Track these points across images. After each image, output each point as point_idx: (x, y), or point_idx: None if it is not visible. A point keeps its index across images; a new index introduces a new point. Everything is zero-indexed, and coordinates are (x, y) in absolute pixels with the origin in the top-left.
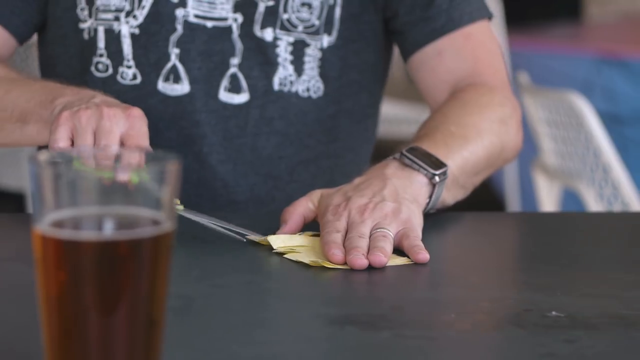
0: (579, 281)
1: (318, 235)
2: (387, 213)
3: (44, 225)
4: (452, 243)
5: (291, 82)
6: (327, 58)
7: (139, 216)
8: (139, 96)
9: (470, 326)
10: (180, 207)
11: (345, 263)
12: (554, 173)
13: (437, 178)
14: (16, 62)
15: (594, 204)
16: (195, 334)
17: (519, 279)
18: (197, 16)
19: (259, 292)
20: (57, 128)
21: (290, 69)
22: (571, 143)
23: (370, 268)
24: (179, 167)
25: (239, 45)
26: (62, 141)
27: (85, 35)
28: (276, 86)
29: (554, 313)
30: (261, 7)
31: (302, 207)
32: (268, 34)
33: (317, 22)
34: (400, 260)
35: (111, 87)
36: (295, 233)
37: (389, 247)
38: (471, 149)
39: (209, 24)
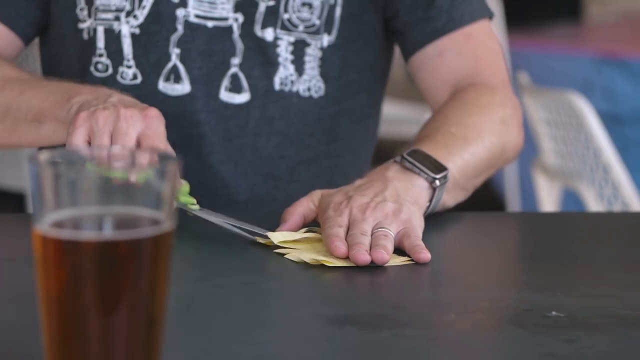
0: (579, 281)
1: (318, 232)
2: (388, 213)
3: (44, 225)
4: (452, 243)
5: (292, 82)
6: (327, 58)
7: (139, 216)
8: (139, 96)
9: (470, 326)
10: (196, 207)
11: (346, 257)
12: (554, 173)
13: (437, 182)
14: (15, 62)
15: (594, 204)
16: (195, 334)
17: (519, 279)
18: (197, 16)
19: (259, 292)
20: (74, 130)
21: (291, 68)
22: (571, 143)
23: (370, 267)
24: (179, 167)
25: (239, 45)
26: (79, 144)
27: (85, 35)
28: (277, 86)
29: (554, 313)
30: (262, 7)
31: (302, 207)
32: (269, 34)
33: (317, 22)
34: (400, 260)
35: (111, 88)
36: (297, 228)
37: (390, 246)
38: (472, 150)
39: (210, 23)
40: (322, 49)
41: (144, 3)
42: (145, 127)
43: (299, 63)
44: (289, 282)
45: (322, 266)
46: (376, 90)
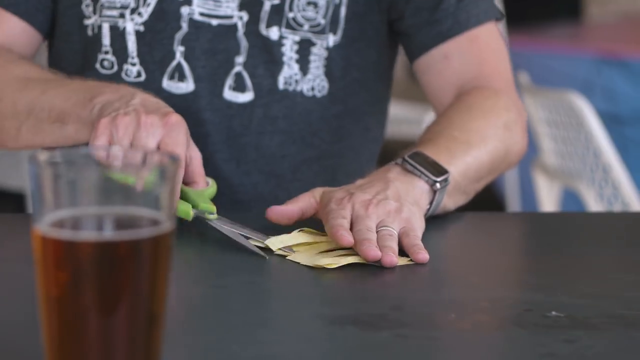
0: (579, 281)
1: (317, 233)
2: (390, 210)
3: (44, 226)
4: (452, 243)
5: (296, 81)
6: (332, 57)
7: (139, 216)
8: None
9: (470, 326)
10: (214, 217)
11: (352, 250)
12: (554, 173)
13: (438, 185)
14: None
15: (594, 204)
16: (195, 334)
17: (519, 279)
18: (202, 14)
19: (259, 292)
20: (95, 139)
21: (296, 67)
22: (571, 143)
23: (370, 268)
24: (179, 167)
25: (244, 44)
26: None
27: (89, 32)
28: (281, 85)
29: (554, 313)
30: (267, 6)
31: (303, 202)
32: (274, 33)
33: (322, 21)
34: (401, 260)
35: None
36: (292, 217)
37: (396, 247)
38: (474, 154)
39: (214, 22)
40: (327, 48)
41: (148, 0)
42: (164, 134)
43: (303, 62)
44: (289, 282)
45: (321, 266)
46: (380, 90)
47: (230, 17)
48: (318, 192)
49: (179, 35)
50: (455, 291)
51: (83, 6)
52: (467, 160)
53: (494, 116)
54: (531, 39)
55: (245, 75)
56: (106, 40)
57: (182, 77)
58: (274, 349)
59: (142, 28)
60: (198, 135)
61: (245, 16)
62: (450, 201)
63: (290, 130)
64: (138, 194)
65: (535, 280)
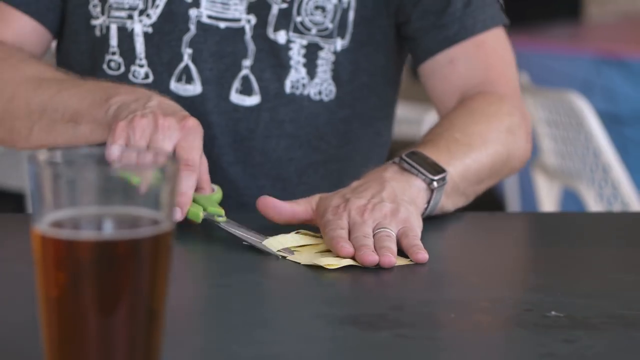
0: (579, 281)
1: (313, 235)
2: (386, 213)
3: (44, 225)
4: (452, 243)
5: (303, 85)
6: (340, 62)
7: (139, 216)
8: None
9: (470, 326)
10: (223, 219)
11: (352, 257)
12: (553, 173)
13: (435, 183)
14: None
15: (594, 204)
16: (195, 334)
17: (519, 279)
18: (210, 17)
19: (259, 292)
20: (112, 140)
21: (303, 72)
22: (571, 143)
23: (370, 268)
24: (179, 168)
25: (251, 47)
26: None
27: (97, 32)
28: (288, 89)
29: (554, 313)
30: (275, 9)
31: (299, 205)
32: (281, 37)
33: (330, 26)
34: (400, 261)
35: None
36: (281, 212)
37: (394, 247)
38: (474, 156)
39: (222, 24)
40: (335, 52)
41: (157, 2)
42: (181, 138)
43: (311, 66)
44: (289, 282)
45: (321, 267)
46: (387, 94)
47: (238, 20)
48: (314, 198)
49: (187, 38)
50: (455, 291)
51: (90, 6)
52: (467, 162)
53: (497, 120)
54: (531, 39)
55: (252, 78)
56: (114, 41)
57: (189, 80)
58: (274, 349)
59: (150, 30)
60: (204, 138)
61: (253, 19)
62: (448, 202)
63: (296, 134)
64: (138, 193)
65: (535, 280)
